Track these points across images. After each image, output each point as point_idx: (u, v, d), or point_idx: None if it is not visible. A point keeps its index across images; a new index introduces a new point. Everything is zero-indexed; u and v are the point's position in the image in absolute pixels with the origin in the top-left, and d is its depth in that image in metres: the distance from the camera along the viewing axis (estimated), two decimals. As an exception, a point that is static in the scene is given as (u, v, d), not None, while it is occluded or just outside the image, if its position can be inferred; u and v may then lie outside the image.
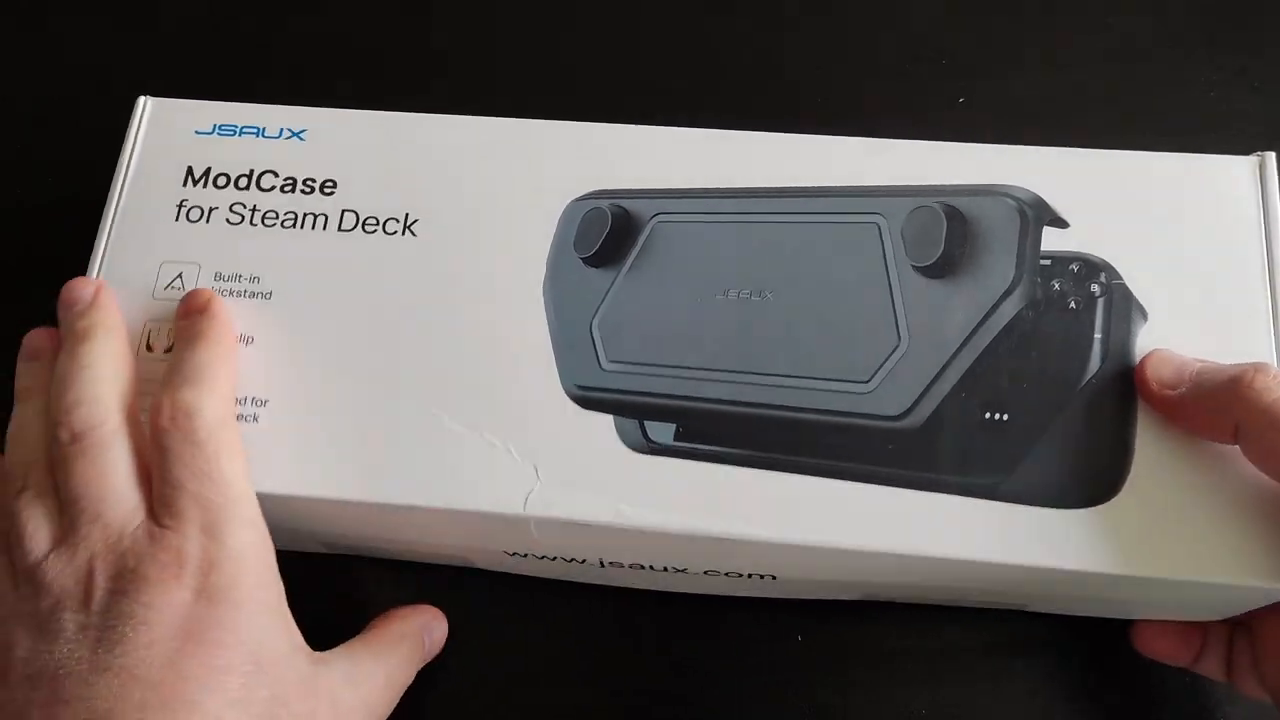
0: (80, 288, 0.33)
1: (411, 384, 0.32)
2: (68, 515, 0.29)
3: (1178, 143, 0.34)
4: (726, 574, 0.32)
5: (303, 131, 0.36)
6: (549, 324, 0.32)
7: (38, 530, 0.29)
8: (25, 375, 0.32)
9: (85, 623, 0.28)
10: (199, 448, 0.29)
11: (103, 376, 0.31)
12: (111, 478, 0.29)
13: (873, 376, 0.31)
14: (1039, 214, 0.32)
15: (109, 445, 0.30)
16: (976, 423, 0.30)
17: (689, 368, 0.32)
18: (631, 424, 0.31)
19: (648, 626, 0.36)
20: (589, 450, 0.31)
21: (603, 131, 0.35)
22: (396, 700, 0.33)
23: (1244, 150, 0.33)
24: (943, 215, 0.32)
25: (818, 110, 0.44)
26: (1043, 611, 0.35)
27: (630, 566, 0.33)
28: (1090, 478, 0.30)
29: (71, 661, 0.27)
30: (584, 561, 0.33)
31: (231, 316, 0.33)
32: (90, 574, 0.28)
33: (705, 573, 0.32)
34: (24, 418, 0.31)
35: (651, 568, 0.33)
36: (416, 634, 0.34)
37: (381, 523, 0.32)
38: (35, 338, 0.33)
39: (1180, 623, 0.34)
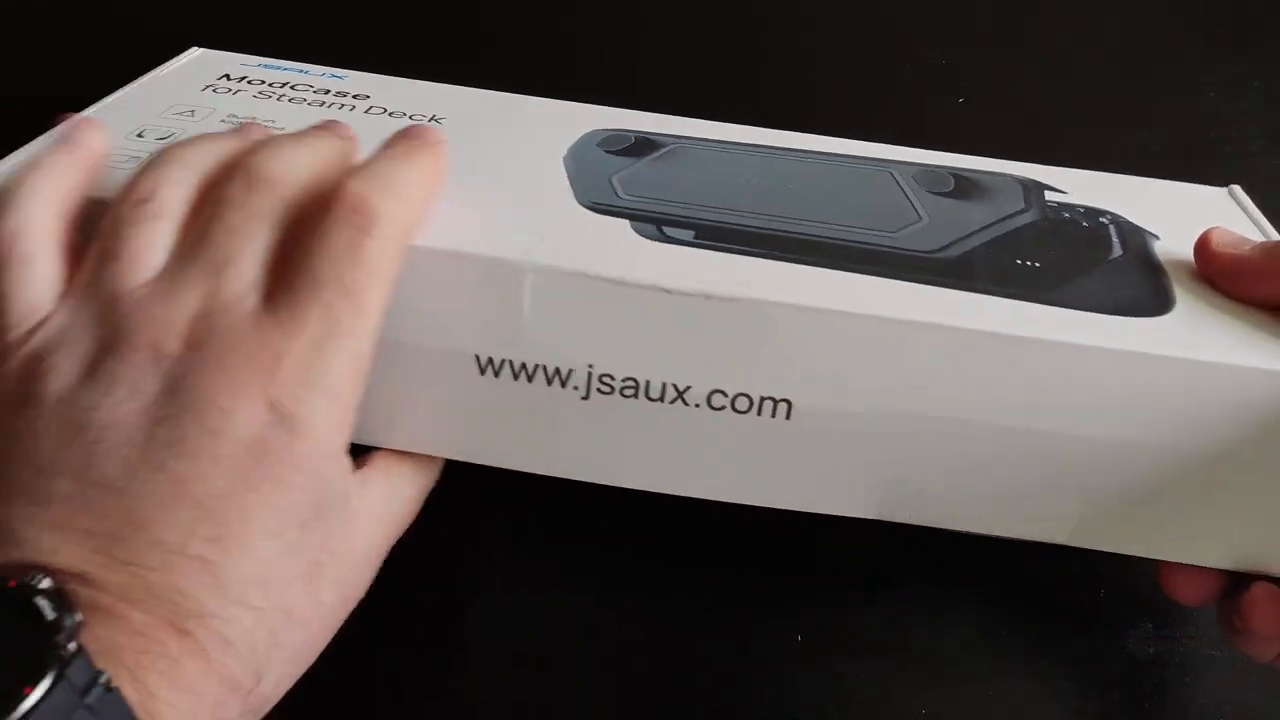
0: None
1: None
2: (185, 253, 0.25)
3: (1178, 141, 0.37)
4: (735, 402, 0.27)
5: (344, 77, 0.38)
6: (568, 177, 0.32)
7: (145, 251, 0.25)
8: (230, 132, 0.28)
9: (145, 386, 0.23)
10: (361, 256, 0.24)
11: (325, 158, 0.27)
12: (254, 242, 0.25)
13: (899, 231, 0.30)
14: (1038, 184, 0.34)
15: (272, 212, 0.25)
16: (1011, 264, 0.29)
17: (710, 205, 0.30)
18: (649, 225, 0.29)
19: (646, 623, 0.34)
20: (601, 235, 0.28)
21: (621, 115, 0.37)
22: (413, 517, 0.29)
23: (1246, 151, 0.36)
24: (950, 176, 0.34)
25: (816, 111, 0.45)
26: (1095, 544, 0.29)
27: (623, 390, 0.28)
28: (1138, 290, 0.28)
29: (118, 432, 0.22)
30: (566, 381, 0.28)
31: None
32: (176, 328, 0.24)
33: (710, 400, 0.27)
34: (198, 142, 0.27)
35: (648, 393, 0.28)
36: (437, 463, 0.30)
37: None
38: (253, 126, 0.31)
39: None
